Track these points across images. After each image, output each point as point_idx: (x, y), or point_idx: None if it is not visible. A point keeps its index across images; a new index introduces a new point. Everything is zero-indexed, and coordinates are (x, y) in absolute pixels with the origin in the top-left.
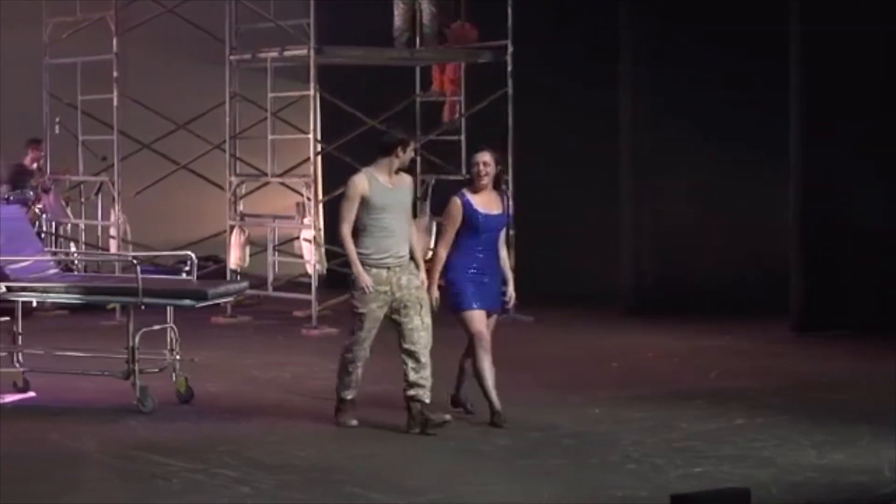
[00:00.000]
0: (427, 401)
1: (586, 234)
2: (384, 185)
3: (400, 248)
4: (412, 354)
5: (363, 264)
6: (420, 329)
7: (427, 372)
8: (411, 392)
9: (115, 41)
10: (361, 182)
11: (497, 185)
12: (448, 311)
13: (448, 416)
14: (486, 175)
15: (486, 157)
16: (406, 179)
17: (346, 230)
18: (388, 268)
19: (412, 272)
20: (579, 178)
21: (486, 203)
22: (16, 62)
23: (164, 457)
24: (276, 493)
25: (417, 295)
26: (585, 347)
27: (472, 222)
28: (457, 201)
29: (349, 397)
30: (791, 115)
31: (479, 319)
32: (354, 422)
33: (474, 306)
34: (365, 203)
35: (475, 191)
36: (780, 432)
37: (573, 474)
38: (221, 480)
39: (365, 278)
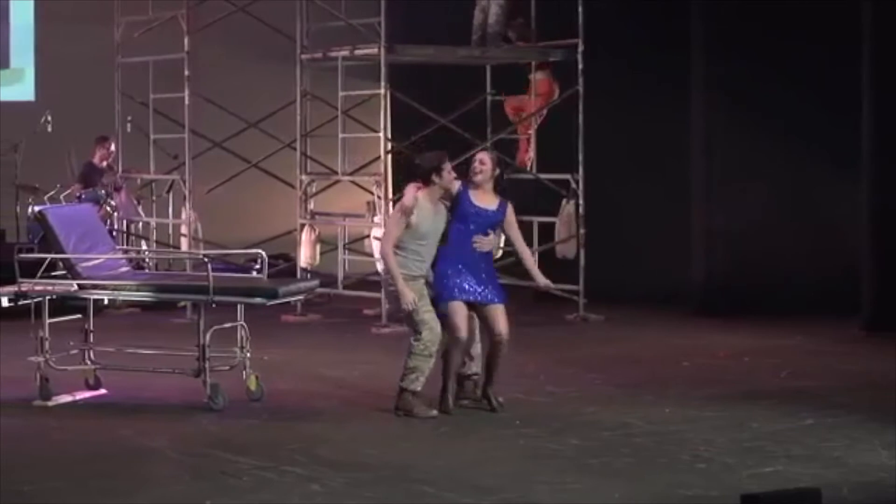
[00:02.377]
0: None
1: (657, 233)
2: (426, 210)
3: (426, 269)
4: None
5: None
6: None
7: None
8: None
9: (186, 40)
10: (411, 207)
11: (496, 188)
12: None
13: (434, 412)
14: (479, 173)
15: (482, 157)
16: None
17: (391, 248)
18: (416, 277)
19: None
20: (650, 177)
21: (482, 199)
22: (89, 61)
23: (234, 454)
24: (346, 491)
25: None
26: (656, 346)
27: (463, 214)
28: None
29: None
30: (864, 113)
31: (459, 311)
32: (434, 412)
33: (456, 295)
34: (410, 229)
35: (474, 187)
36: (850, 432)
37: (644, 473)
38: (291, 478)
39: (409, 295)
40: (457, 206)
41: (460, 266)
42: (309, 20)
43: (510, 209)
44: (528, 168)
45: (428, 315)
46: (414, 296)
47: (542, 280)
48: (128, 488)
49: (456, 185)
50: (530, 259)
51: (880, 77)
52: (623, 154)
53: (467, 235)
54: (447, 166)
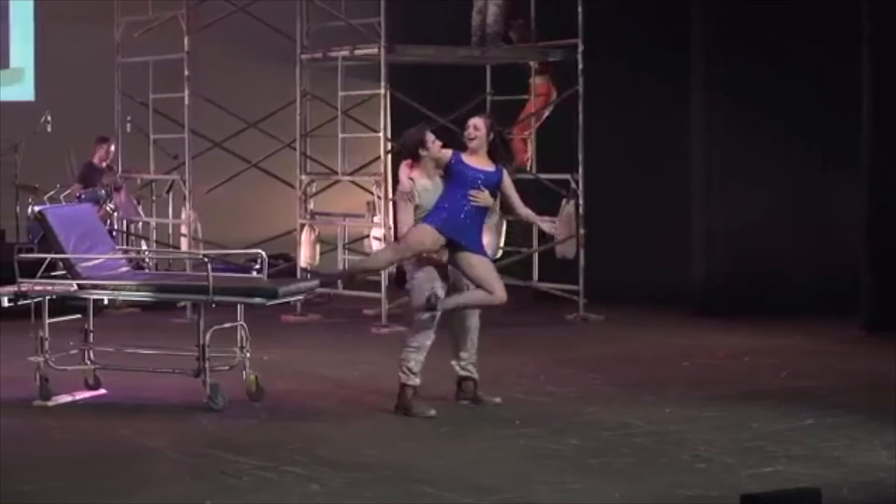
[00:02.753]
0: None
1: (657, 233)
2: (425, 186)
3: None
4: (464, 336)
5: None
6: (471, 313)
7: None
8: (468, 372)
9: (186, 40)
10: (412, 189)
11: (492, 154)
12: None
13: (498, 399)
14: (474, 139)
15: (476, 122)
16: (441, 160)
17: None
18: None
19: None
20: (650, 177)
21: (479, 163)
22: (89, 61)
23: (234, 454)
24: (346, 491)
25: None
26: (656, 346)
27: (461, 177)
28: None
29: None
30: (863, 113)
31: (431, 233)
32: (433, 411)
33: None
34: (418, 209)
35: (469, 153)
36: (850, 432)
37: (644, 473)
38: (291, 478)
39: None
40: (452, 172)
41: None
42: (309, 20)
43: (506, 173)
44: (528, 168)
45: (423, 311)
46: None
47: (547, 225)
48: (128, 488)
49: (447, 154)
50: (532, 214)
51: (880, 77)
52: (623, 154)
53: (465, 195)
54: (430, 136)
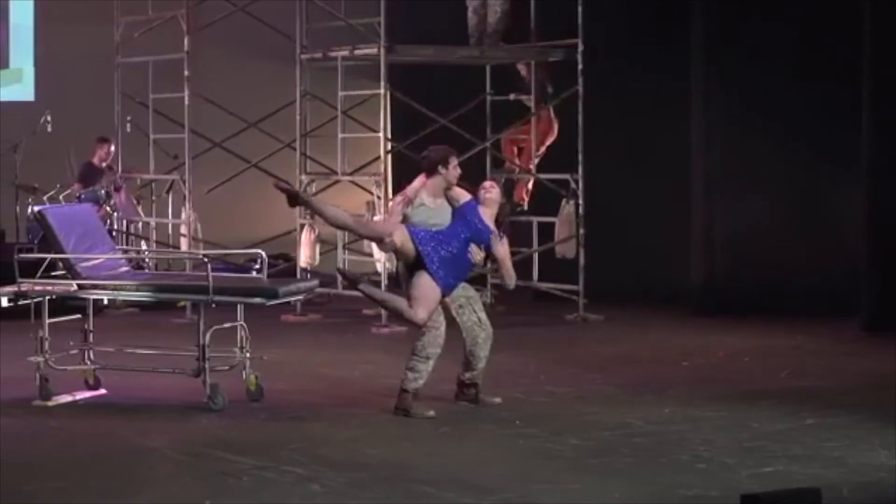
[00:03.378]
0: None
1: (657, 233)
2: (427, 206)
3: None
4: (475, 346)
5: None
6: (479, 324)
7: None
8: (472, 379)
9: (186, 40)
10: (413, 196)
11: (496, 219)
12: None
13: (498, 399)
14: (490, 196)
15: (493, 183)
16: (457, 197)
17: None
18: None
19: None
20: (650, 177)
21: (486, 216)
22: (88, 61)
23: (234, 454)
24: (346, 491)
25: (465, 294)
26: (656, 346)
27: (468, 222)
28: None
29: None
30: (863, 114)
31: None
32: (432, 412)
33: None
34: (406, 219)
35: (483, 206)
36: (851, 432)
37: (644, 473)
38: (291, 478)
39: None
40: (464, 212)
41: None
42: (309, 20)
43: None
44: (525, 207)
45: (439, 318)
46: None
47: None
48: (127, 488)
49: (460, 193)
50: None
51: (881, 77)
52: (623, 154)
53: (462, 244)
54: (454, 161)
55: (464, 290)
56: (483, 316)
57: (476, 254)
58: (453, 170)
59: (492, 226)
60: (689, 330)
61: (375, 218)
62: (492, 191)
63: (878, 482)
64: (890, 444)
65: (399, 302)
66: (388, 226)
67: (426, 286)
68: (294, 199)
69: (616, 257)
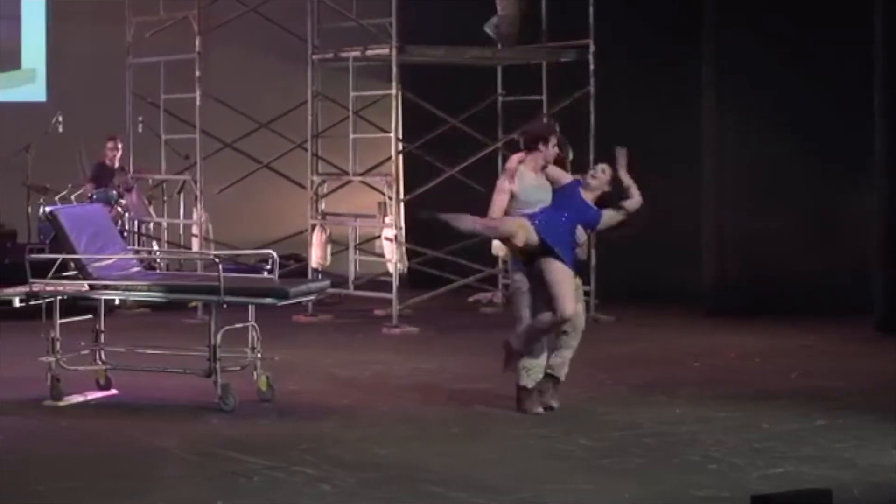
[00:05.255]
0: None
1: (668, 234)
2: (530, 183)
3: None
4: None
5: None
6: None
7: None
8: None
9: (197, 40)
10: (513, 179)
11: (601, 200)
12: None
13: (540, 409)
14: (596, 178)
15: (605, 167)
16: (556, 177)
17: (498, 215)
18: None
19: None
20: (661, 177)
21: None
22: (100, 62)
23: (244, 454)
24: (357, 491)
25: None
26: (667, 347)
27: (571, 199)
28: None
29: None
30: (876, 113)
31: (527, 228)
32: (539, 409)
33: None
34: (514, 199)
35: (586, 189)
36: (861, 433)
37: (654, 474)
38: (302, 478)
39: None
40: (566, 191)
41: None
42: (320, 20)
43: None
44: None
45: (525, 310)
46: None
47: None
48: (138, 488)
49: (564, 178)
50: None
51: (892, 76)
52: (635, 154)
53: (568, 219)
54: (554, 139)
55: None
56: (582, 306)
57: (581, 235)
58: (552, 148)
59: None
60: (700, 330)
61: (387, 219)
62: (599, 175)
63: (889, 483)
64: None
65: (540, 324)
66: (511, 225)
67: (561, 272)
68: (434, 221)
69: (627, 258)
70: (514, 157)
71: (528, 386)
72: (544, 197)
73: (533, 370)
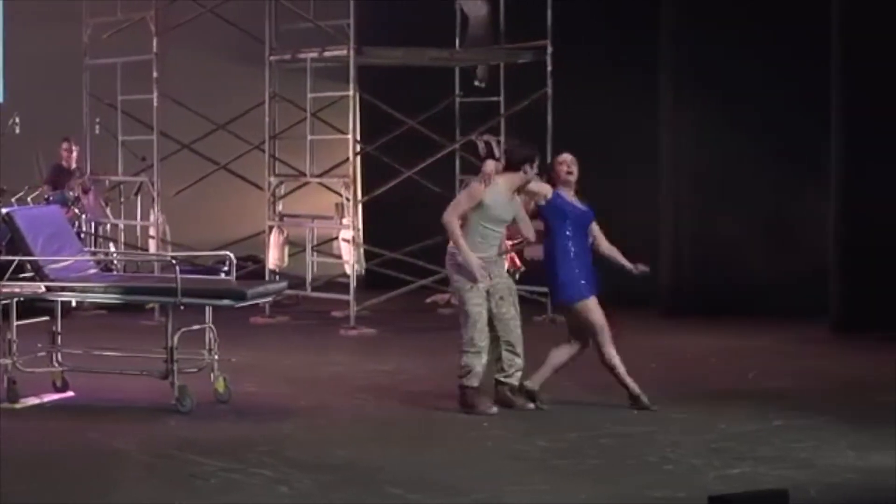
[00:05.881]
0: (516, 384)
1: (625, 235)
2: (503, 199)
3: (493, 255)
4: (509, 343)
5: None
6: (515, 318)
7: (520, 360)
8: (505, 378)
9: (155, 41)
10: (490, 190)
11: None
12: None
13: (532, 405)
14: (571, 173)
15: (573, 158)
16: (542, 192)
17: (455, 217)
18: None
19: (500, 264)
20: (619, 178)
21: (572, 199)
22: (57, 63)
23: (202, 456)
24: (315, 492)
25: (507, 284)
26: (624, 348)
27: (562, 213)
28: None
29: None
30: (832, 115)
31: (593, 308)
32: (494, 408)
33: (584, 294)
34: (482, 208)
35: (566, 189)
36: (818, 433)
37: (611, 475)
38: (260, 480)
39: (476, 261)
40: (553, 207)
41: (576, 262)
42: (277, 21)
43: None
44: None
45: (475, 309)
46: (483, 269)
47: (635, 267)
48: (95, 490)
49: (544, 189)
50: (617, 252)
51: (849, 79)
52: (591, 154)
53: (567, 232)
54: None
55: (507, 281)
56: (518, 310)
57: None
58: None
59: (582, 204)
60: (657, 332)
61: (344, 221)
62: (574, 170)
63: (845, 483)
64: (857, 445)
65: (559, 357)
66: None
67: (594, 311)
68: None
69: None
70: (491, 163)
71: (474, 385)
72: (508, 218)
73: (478, 370)
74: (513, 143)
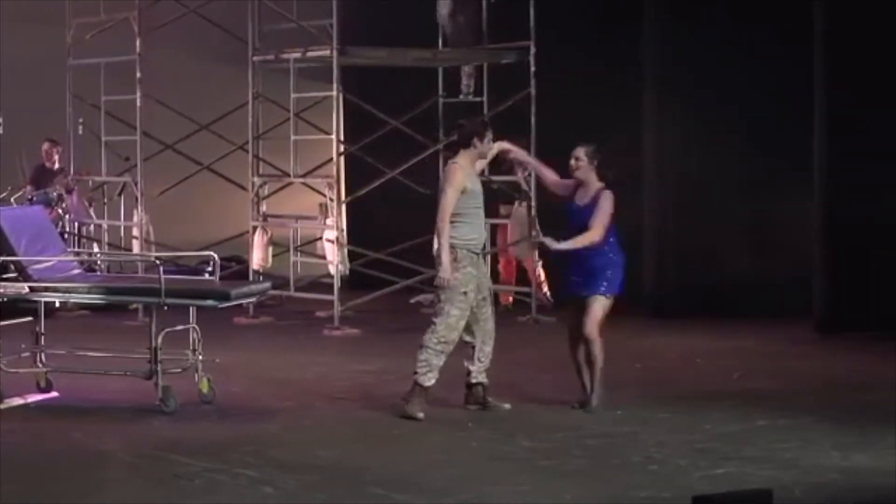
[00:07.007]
0: (487, 382)
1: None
2: (475, 176)
3: (484, 237)
4: (484, 342)
5: (465, 249)
6: (492, 317)
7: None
8: (479, 378)
9: (138, 42)
10: (461, 173)
11: (601, 177)
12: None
13: (508, 405)
14: (576, 169)
15: (577, 153)
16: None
17: (447, 220)
18: (477, 253)
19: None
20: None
21: (581, 194)
22: (40, 63)
23: (186, 457)
24: (299, 493)
25: (489, 284)
26: (609, 349)
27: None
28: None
29: (429, 384)
30: (816, 115)
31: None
32: (422, 414)
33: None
34: (465, 193)
35: (579, 184)
36: (803, 434)
37: (596, 475)
38: (244, 480)
39: (449, 271)
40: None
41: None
42: (261, 22)
43: (603, 197)
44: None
45: (455, 310)
46: (452, 274)
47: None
48: (80, 491)
49: (497, 146)
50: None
51: (832, 78)
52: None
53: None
54: (489, 135)
55: (489, 281)
56: (491, 310)
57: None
58: (487, 142)
59: (585, 197)
60: (642, 332)
61: (328, 221)
62: (578, 164)
63: (830, 483)
64: (842, 445)
65: (597, 364)
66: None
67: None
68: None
69: (567, 259)
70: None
71: (428, 385)
72: (480, 191)
73: (435, 371)
74: (459, 122)
